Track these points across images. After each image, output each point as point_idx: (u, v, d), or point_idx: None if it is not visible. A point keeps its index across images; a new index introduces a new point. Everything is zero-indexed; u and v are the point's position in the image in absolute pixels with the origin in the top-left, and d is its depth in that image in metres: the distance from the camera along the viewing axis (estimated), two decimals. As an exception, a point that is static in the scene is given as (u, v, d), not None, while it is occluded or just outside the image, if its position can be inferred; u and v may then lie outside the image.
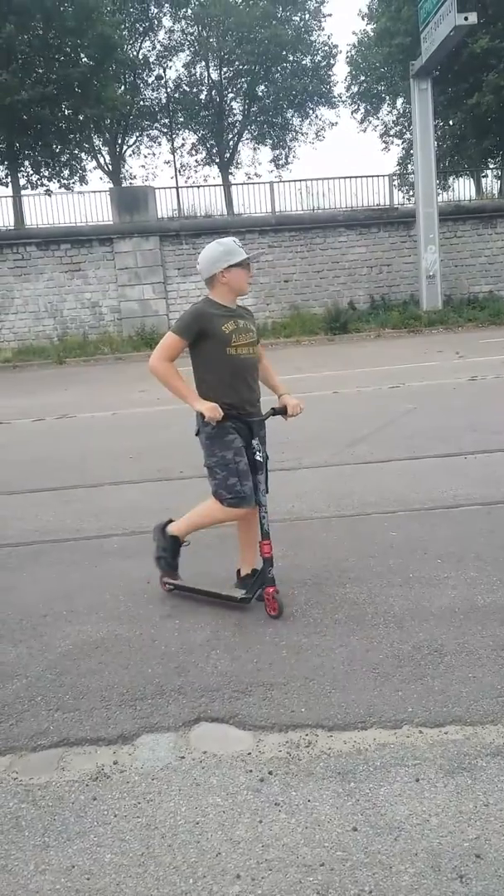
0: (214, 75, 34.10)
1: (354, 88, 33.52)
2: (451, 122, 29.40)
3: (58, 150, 25.86)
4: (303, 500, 5.50)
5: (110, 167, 34.16)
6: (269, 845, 2.24)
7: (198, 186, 29.17)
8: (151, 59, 33.56)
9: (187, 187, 29.00)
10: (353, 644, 3.37)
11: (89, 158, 31.08)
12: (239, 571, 3.99)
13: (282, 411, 3.77)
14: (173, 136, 34.90)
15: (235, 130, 35.66)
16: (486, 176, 28.98)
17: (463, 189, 27.13)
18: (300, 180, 24.35)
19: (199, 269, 3.68)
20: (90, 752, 2.78)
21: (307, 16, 34.14)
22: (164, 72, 33.90)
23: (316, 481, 6.12)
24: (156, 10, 32.72)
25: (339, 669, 3.17)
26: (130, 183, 34.50)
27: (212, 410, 3.43)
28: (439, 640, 3.35)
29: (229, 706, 2.97)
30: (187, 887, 2.10)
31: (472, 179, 28.50)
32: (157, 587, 4.20)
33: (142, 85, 33.55)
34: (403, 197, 27.65)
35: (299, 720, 2.85)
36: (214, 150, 35.68)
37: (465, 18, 17.22)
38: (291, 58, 33.93)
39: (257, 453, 3.63)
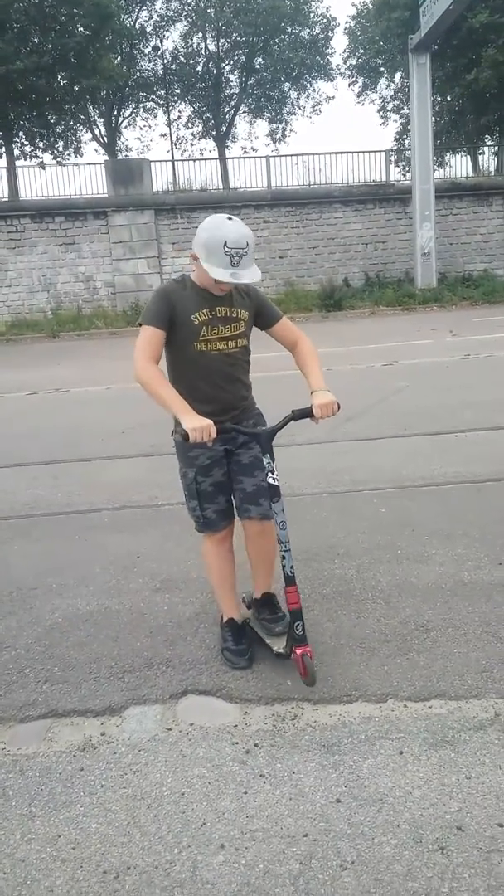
0: (212, 47, 33.64)
1: (352, 61, 33.11)
2: (448, 98, 29.10)
3: (53, 121, 25.52)
4: (295, 476, 5.50)
5: (105, 139, 33.75)
6: (254, 816, 2.27)
7: (194, 160, 28.88)
8: (148, 30, 33.06)
9: (183, 160, 28.74)
10: (340, 619, 3.40)
11: (84, 130, 30.74)
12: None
13: (306, 414, 2.90)
14: (169, 108, 34.50)
15: (232, 103, 35.25)
16: (483, 153, 28.71)
17: (459, 166, 26.96)
18: (297, 155, 24.18)
19: None
20: (78, 724, 2.81)
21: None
22: (161, 42, 33.36)
23: (308, 458, 6.13)
24: (153, -21, 32.22)
25: (327, 644, 3.20)
26: (126, 155, 34.11)
27: (202, 431, 2.65)
28: (425, 615, 3.38)
29: (217, 679, 3.00)
30: (172, 856, 2.13)
31: (469, 156, 28.26)
32: (147, 561, 4.22)
33: (138, 56, 33.05)
34: (400, 173, 27.41)
35: (285, 693, 2.88)
36: (211, 123, 35.29)
37: (466, -9, 16.99)
38: (290, 30, 33.46)
39: (270, 475, 2.87)
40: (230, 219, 2.76)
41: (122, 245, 21.80)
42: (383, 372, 10.38)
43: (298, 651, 2.84)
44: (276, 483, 2.88)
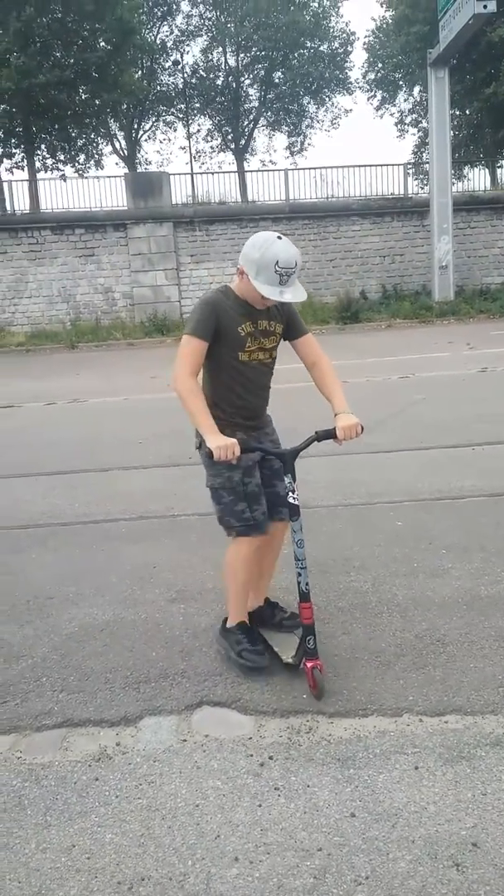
0: (231, 61, 33.88)
1: (371, 76, 33.23)
2: (467, 112, 29.13)
3: (74, 135, 25.80)
4: (310, 488, 5.50)
5: (126, 152, 34.04)
6: (268, 829, 2.26)
7: (212, 173, 29.08)
8: (169, 44, 33.38)
9: (202, 173, 28.93)
10: (355, 632, 3.39)
11: (105, 143, 31.04)
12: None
13: (329, 435, 2.99)
14: (189, 121, 34.75)
15: (251, 117, 35.45)
16: (501, 166, 28.73)
17: (478, 179, 26.94)
18: (315, 168, 24.29)
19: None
20: (93, 734, 2.82)
21: (326, 1, 33.83)
22: (181, 57, 33.67)
23: (323, 470, 6.12)
24: (174, -5, 32.53)
25: (342, 656, 3.19)
26: (145, 168, 34.38)
27: (226, 450, 2.75)
28: (442, 629, 3.36)
29: (232, 691, 3.00)
30: (185, 868, 2.13)
31: (487, 170, 28.27)
32: (163, 571, 4.23)
33: (159, 70, 33.35)
34: (417, 186, 27.45)
35: (300, 706, 2.87)
36: (230, 137, 35.50)
37: (485, 7, 17.01)
38: (309, 44, 33.65)
39: (290, 494, 2.94)
40: (280, 238, 2.81)
41: (140, 257, 21.95)
42: (400, 385, 10.37)
43: (309, 664, 2.89)
44: (297, 503, 2.94)
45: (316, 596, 3.77)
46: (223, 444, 2.75)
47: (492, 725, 2.69)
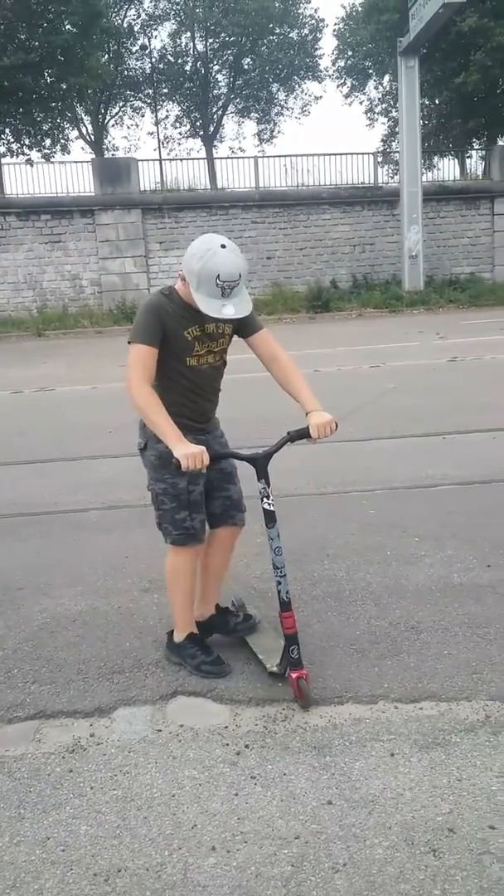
0: (200, 46, 33.66)
1: (341, 63, 33.17)
2: (437, 102, 29.20)
3: (39, 119, 25.38)
4: (283, 477, 5.46)
5: (92, 137, 33.66)
6: (245, 818, 2.25)
7: (181, 159, 28.82)
8: (136, 28, 33.00)
9: (171, 160, 28.62)
10: (330, 620, 3.40)
11: (71, 128, 30.62)
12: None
13: (303, 435, 2.87)
14: (157, 107, 34.44)
15: (220, 103, 35.25)
16: (470, 157, 28.84)
17: (447, 169, 27.02)
18: (285, 156, 24.22)
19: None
20: (66, 725, 2.79)
21: (295, -13, 33.70)
22: (149, 41, 33.39)
23: (297, 459, 6.09)
24: (142, -22, 32.18)
25: (317, 645, 3.19)
26: (112, 154, 34.03)
27: (195, 458, 2.62)
28: (415, 617, 3.38)
29: (206, 681, 2.98)
30: (162, 859, 2.12)
31: (456, 160, 28.37)
32: (136, 561, 4.20)
33: (126, 54, 32.99)
34: (387, 175, 27.49)
35: (276, 695, 2.87)
36: (198, 123, 35.26)
37: (455, -4, 17.06)
38: (278, 30, 33.50)
39: (265, 500, 2.83)
40: (223, 246, 2.64)
41: (108, 244, 21.73)
42: (371, 374, 10.40)
43: (294, 675, 2.79)
44: (272, 509, 2.83)
45: (290, 584, 3.75)
46: (191, 453, 2.61)
47: (466, 712, 2.70)
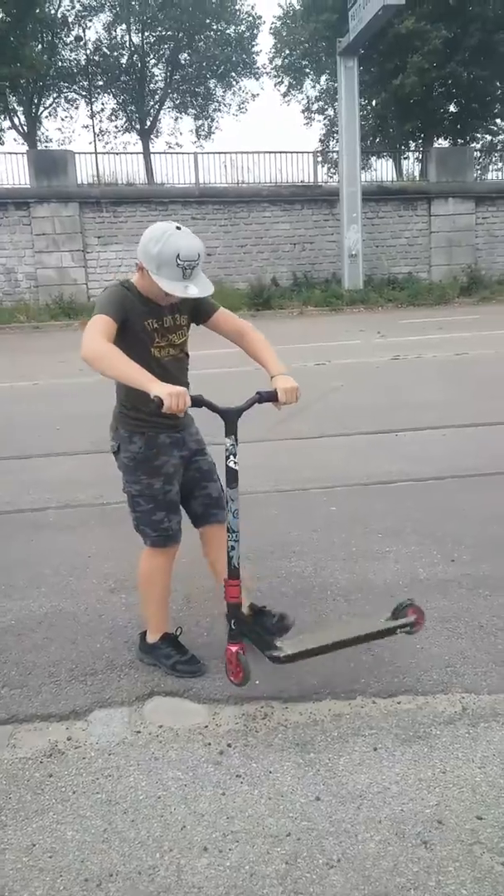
0: (136, 39, 33.26)
1: (278, 61, 33.28)
2: (374, 103, 29.56)
3: (-29, 109, 24.80)
4: (242, 474, 5.46)
5: (25, 129, 32.92)
6: (234, 817, 2.24)
7: (118, 153, 28.45)
8: (70, 19, 32.40)
9: (107, 153, 28.27)
10: (302, 616, 3.40)
11: (3, 118, 29.96)
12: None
13: (271, 397, 2.84)
14: (92, 99, 33.91)
15: (157, 98, 34.93)
16: (407, 158, 29.38)
17: (383, 170, 27.35)
18: (225, 153, 24.07)
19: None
20: (42, 729, 2.73)
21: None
22: (84, 32, 32.76)
23: (251, 456, 6.08)
24: (77, -32, 31.59)
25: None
26: (46, 146, 33.37)
27: (178, 397, 2.47)
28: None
29: (183, 680, 2.96)
30: (154, 861, 2.09)
31: (392, 161, 28.81)
32: (99, 561, 4.13)
33: (60, 45, 32.38)
34: (326, 174, 27.73)
35: (254, 693, 2.86)
36: (135, 117, 34.88)
37: (394, -2, 17.27)
38: (215, 27, 33.38)
39: (231, 458, 2.77)
40: (179, 228, 2.65)
41: (45, 237, 21.32)
42: (317, 372, 10.47)
43: (234, 648, 2.74)
44: (236, 468, 2.78)
45: (259, 582, 3.78)
46: (174, 391, 2.46)
47: (443, 705, 2.75)
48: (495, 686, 2.84)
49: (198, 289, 2.67)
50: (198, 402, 2.63)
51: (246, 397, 2.84)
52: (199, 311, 2.97)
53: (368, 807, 2.26)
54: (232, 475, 2.77)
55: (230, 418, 2.76)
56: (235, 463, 2.78)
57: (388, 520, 4.56)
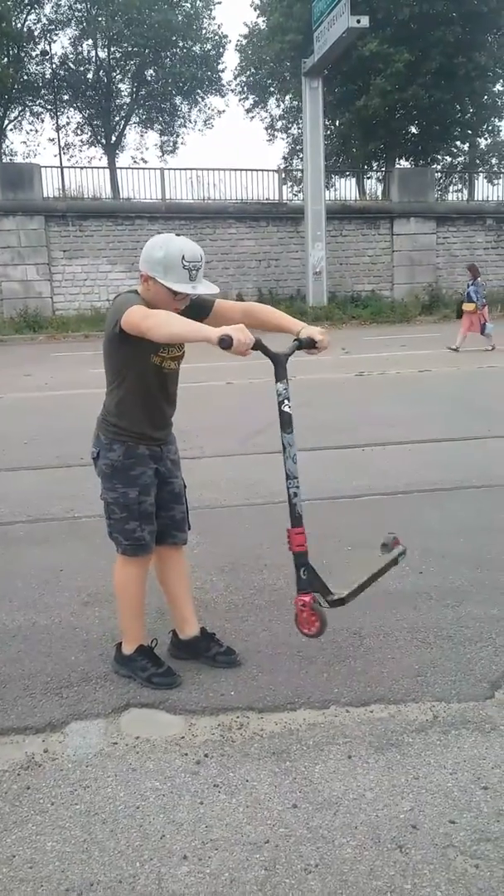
0: (102, 54, 33.36)
1: (243, 78, 33.60)
2: (337, 123, 30.01)
3: None
4: (210, 488, 5.53)
5: (-10, 141, 32.81)
6: (213, 826, 2.27)
7: (84, 167, 28.44)
8: (36, 33, 32.39)
9: (73, 167, 28.25)
10: (275, 628, 3.45)
11: (-32, 130, 29.82)
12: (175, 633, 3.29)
13: (309, 343, 2.91)
14: (58, 113, 33.89)
15: (123, 113, 35.03)
16: (369, 178, 29.82)
17: (345, 189, 27.83)
18: (191, 169, 24.27)
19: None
20: (17, 741, 2.73)
21: (199, 3, 33.88)
22: (50, 46, 32.75)
23: (222, 470, 6.17)
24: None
25: (265, 653, 3.24)
26: (11, 159, 33.25)
27: (243, 331, 2.46)
28: (357, 623, 3.48)
29: (158, 692, 2.98)
30: (134, 871, 2.11)
31: (355, 180, 29.25)
32: (71, 574, 4.14)
33: (26, 58, 32.36)
34: (290, 192, 28.05)
35: (229, 703, 2.90)
36: (101, 132, 34.92)
37: (358, 21, 17.59)
38: (181, 44, 33.62)
39: (285, 402, 2.76)
40: (178, 235, 2.78)
41: (10, 250, 21.24)
42: (283, 386, 10.54)
43: (306, 598, 2.74)
44: (290, 412, 2.78)
45: (232, 594, 3.83)
46: (238, 328, 2.46)
47: (415, 713, 2.81)
48: (465, 694, 2.92)
49: (204, 287, 2.80)
50: (258, 342, 2.59)
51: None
52: (198, 309, 2.97)
53: (344, 813, 2.30)
54: (287, 419, 2.77)
55: (281, 361, 2.78)
56: (290, 407, 2.78)
57: (358, 533, 4.63)
